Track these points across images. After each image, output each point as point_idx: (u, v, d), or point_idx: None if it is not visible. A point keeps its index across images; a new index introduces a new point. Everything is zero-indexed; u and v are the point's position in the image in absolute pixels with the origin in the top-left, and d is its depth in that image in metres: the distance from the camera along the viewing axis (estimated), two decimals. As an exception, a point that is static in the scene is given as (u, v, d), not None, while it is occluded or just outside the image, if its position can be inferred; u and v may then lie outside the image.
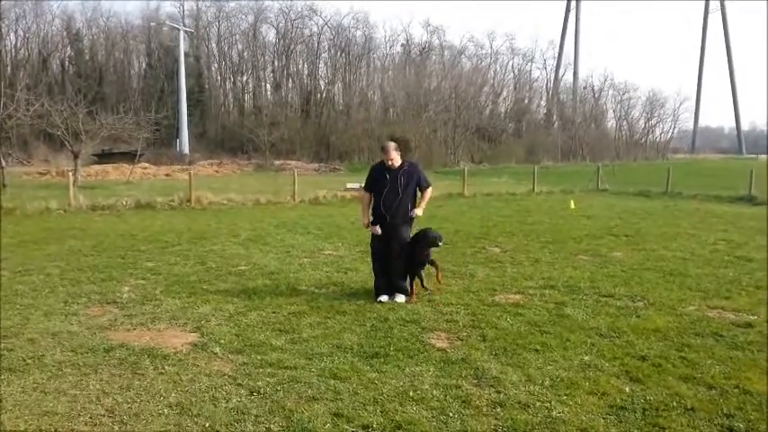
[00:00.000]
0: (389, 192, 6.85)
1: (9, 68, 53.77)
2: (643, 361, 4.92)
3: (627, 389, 4.37)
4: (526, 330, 5.72)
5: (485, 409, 4.03)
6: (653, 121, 78.67)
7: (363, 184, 7.24)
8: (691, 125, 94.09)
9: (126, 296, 6.96)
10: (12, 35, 55.75)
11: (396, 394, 4.24)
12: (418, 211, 7.04)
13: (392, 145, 6.97)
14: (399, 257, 6.88)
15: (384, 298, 6.84)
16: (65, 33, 58.27)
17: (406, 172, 6.94)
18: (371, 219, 7.05)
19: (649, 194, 22.91)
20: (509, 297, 7.03)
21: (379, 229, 6.91)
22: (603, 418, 3.92)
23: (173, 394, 4.24)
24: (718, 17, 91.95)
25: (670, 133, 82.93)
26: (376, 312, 6.30)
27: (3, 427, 3.74)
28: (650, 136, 79.85)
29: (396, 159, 6.90)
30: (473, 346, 5.28)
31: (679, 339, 5.48)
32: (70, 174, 19.35)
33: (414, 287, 6.97)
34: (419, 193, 7.12)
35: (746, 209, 17.77)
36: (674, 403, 4.13)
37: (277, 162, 44.90)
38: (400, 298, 6.87)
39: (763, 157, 66.26)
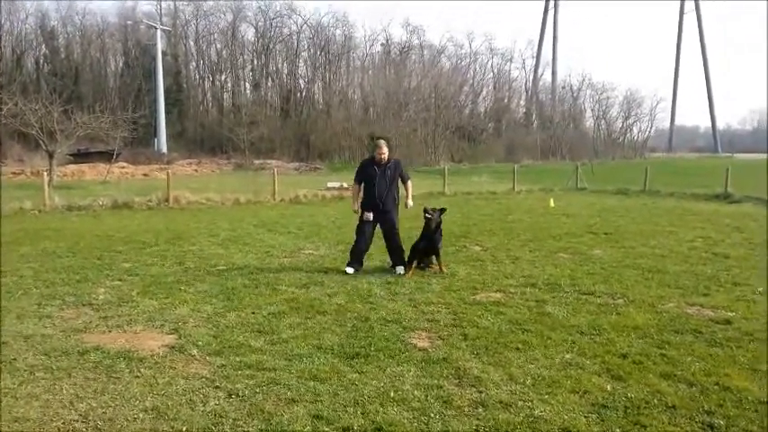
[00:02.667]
0: (380, 183, 8.21)
1: (-19, 67, 52.82)
2: (624, 358, 4.93)
3: (608, 387, 4.36)
4: (507, 329, 5.70)
5: (466, 409, 3.99)
6: (630, 121, 79.77)
7: (354, 176, 8.52)
8: (667, 124, 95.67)
9: (102, 298, 6.82)
10: (-16, 33, 54.71)
11: (377, 395, 4.19)
12: (410, 202, 8.60)
13: (383, 142, 8.44)
14: (395, 236, 8.37)
15: (350, 270, 8.16)
16: (39, 31, 57.34)
17: (392, 167, 8.33)
18: (363, 206, 8.38)
19: (628, 192, 23.12)
20: (490, 296, 7.02)
21: (371, 215, 8.27)
22: (585, 417, 3.90)
23: (149, 398, 4.14)
24: (693, 18, 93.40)
25: (647, 132, 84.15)
26: (357, 312, 6.25)
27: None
28: (628, 135, 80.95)
29: (386, 155, 8.25)
30: (454, 345, 5.25)
31: (659, 336, 5.50)
32: (45, 174, 19.03)
33: (412, 264, 8.18)
34: (401, 186, 8.54)
35: (723, 206, 18.01)
36: (656, 401, 4.14)
37: (257, 161, 44.61)
38: (400, 269, 8.22)
39: (740, 156, 67.32)
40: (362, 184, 8.41)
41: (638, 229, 12.90)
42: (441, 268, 8.25)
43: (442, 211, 8.61)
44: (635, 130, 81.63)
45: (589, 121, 79.92)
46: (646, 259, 9.30)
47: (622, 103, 78.06)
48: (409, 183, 8.71)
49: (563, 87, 78.18)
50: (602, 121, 78.80)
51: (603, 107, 77.84)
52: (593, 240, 11.29)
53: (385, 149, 8.27)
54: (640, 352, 5.08)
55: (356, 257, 8.39)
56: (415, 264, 8.24)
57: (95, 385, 4.35)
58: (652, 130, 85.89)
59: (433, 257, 8.35)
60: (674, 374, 4.59)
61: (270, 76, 64.41)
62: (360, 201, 8.49)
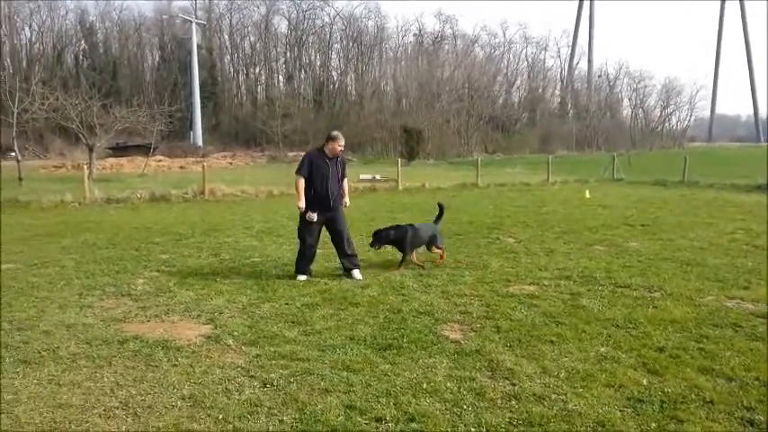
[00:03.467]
0: (332, 178, 7.44)
1: (24, 63, 54.33)
2: (660, 352, 4.85)
3: (644, 381, 4.30)
4: (541, 322, 5.66)
5: (499, 402, 3.98)
6: (669, 110, 78.11)
7: (298, 170, 7.43)
8: (707, 113, 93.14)
9: (140, 288, 6.98)
10: (26, 30, 56.29)
11: (409, 386, 4.21)
12: (347, 200, 7.85)
13: (339, 134, 7.55)
14: (346, 236, 7.62)
15: (303, 278, 7.42)
16: (78, 27, 58.68)
17: (340, 162, 7.60)
18: (311, 204, 7.40)
19: (666, 183, 22.66)
20: (523, 288, 6.97)
21: (315, 216, 7.36)
22: (620, 411, 3.86)
23: (186, 386, 4.24)
24: (735, 4, 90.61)
25: (686, 121, 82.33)
26: (389, 304, 6.27)
27: (18, 419, 3.75)
28: (666, 124, 79.29)
29: (342, 149, 7.50)
30: (487, 337, 5.23)
31: (697, 330, 5.39)
32: (85, 167, 19.50)
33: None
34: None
35: (765, 198, 17.49)
36: (693, 396, 4.06)
37: (290, 153, 44.91)
38: (358, 274, 7.54)
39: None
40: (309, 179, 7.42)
41: (677, 220, 12.64)
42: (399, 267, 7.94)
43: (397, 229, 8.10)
44: (674, 119, 80.00)
45: (626, 111, 78.64)
46: (684, 252, 9.11)
47: (661, 91, 76.55)
48: (345, 181, 7.79)
49: (599, 76, 76.98)
50: (640, 111, 77.38)
51: (641, 96, 76.47)
52: (629, 232, 11.10)
53: (342, 143, 7.42)
54: (678, 346, 4.99)
55: (307, 263, 7.57)
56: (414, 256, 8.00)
57: (135, 373, 4.47)
58: (691, 120, 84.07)
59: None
60: (712, 369, 4.50)
61: (303, 69, 64.83)
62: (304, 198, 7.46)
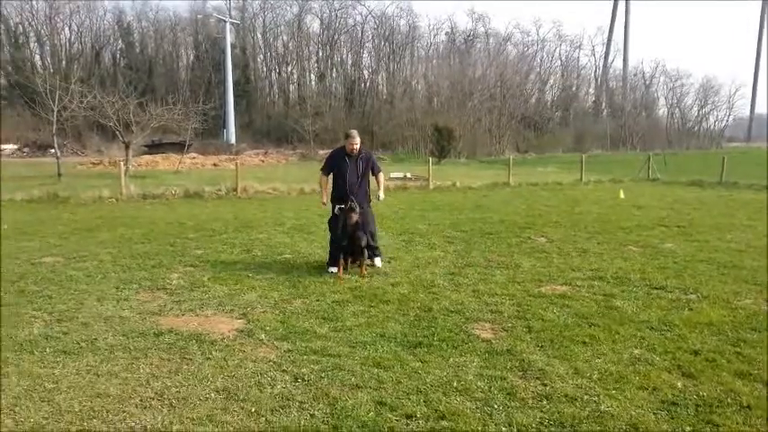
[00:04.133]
0: (351, 175, 7.76)
1: (63, 62, 55.61)
2: (696, 355, 4.76)
3: (679, 384, 4.24)
4: (573, 322, 5.61)
5: (530, 402, 3.96)
6: (707, 109, 76.33)
7: (322, 167, 8.11)
8: (747, 113, 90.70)
9: (175, 283, 7.11)
10: (66, 30, 57.61)
11: (439, 384, 4.21)
12: (382, 195, 8.07)
13: (356, 133, 7.92)
14: (370, 230, 7.85)
15: (334, 269, 7.62)
16: (116, 27, 59.87)
17: (363, 158, 7.88)
18: (334, 200, 7.90)
19: (702, 184, 22.18)
20: (555, 288, 6.91)
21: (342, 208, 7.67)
22: (654, 414, 3.81)
23: (219, 379, 4.31)
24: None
25: (725, 121, 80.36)
26: (419, 302, 6.28)
27: (59, 406, 3.86)
28: (704, 124, 77.50)
29: (357, 146, 7.81)
30: (518, 337, 5.20)
31: (734, 334, 5.28)
32: (122, 163, 19.88)
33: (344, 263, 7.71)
34: (372, 178, 8.07)
35: (807, 199, 17.00)
36: (729, 400, 3.99)
37: (321, 152, 45.12)
38: (378, 262, 7.97)
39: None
40: (331, 177, 8.00)
41: (714, 222, 12.38)
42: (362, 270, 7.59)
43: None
44: (711, 118, 78.14)
45: (662, 110, 77.10)
46: (721, 254, 8.92)
47: (698, 90, 74.83)
48: (381, 175, 8.16)
49: (635, 75, 75.57)
50: (677, 110, 75.78)
51: (678, 95, 74.89)
52: (664, 233, 10.90)
53: (357, 140, 7.76)
54: (714, 349, 4.90)
55: (337, 254, 7.71)
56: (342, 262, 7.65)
57: (170, 365, 4.56)
58: (730, 119, 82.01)
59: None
60: (749, 373, 4.41)
61: (334, 67, 65.06)
62: (329, 194, 8.06)
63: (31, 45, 56.81)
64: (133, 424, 3.68)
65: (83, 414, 3.78)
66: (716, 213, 13.85)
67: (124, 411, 3.83)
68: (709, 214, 13.68)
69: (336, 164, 7.89)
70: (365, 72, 65.15)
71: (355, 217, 7.52)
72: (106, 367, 4.52)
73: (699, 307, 6.11)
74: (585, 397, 4.03)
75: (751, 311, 5.95)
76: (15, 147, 42.25)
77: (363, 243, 7.57)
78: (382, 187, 8.14)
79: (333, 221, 7.94)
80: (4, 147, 42.49)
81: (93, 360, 4.66)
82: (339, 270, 7.53)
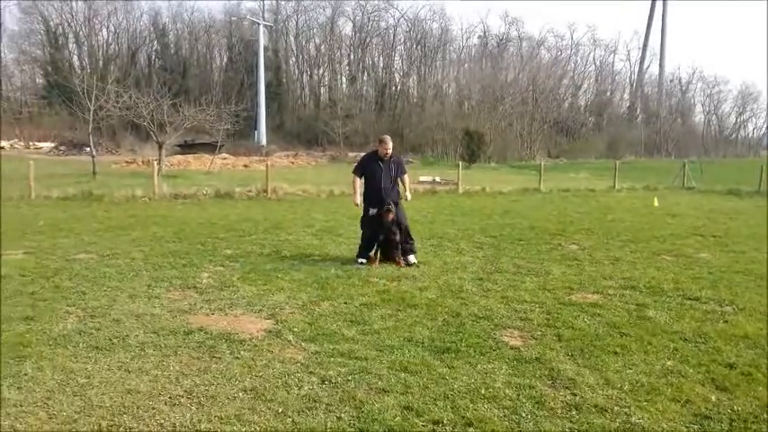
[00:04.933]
0: (384, 178, 8.26)
1: (101, 62, 56.84)
2: (731, 369, 4.64)
3: (713, 397, 4.13)
4: (604, 332, 5.51)
5: (559, 411, 3.90)
6: (745, 116, 74.66)
7: (355, 170, 8.53)
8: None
9: (205, 282, 7.19)
10: (104, 31, 58.92)
11: (467, 391, 4.18)
12: (409, 195, 8.70)
13: (389, 138, 8.40)
14: (404, 227, 8.34)
15: (362, 261, 8.22)
16: (152, 29, 61.03)
17: (395, 162, 8.42)
18: (367, 203, 8.41)
19: (740, 193, 21.66)
20: (587, 296, 6.81)
21: (375, 211, 8.24)
22: (686, 427, 3.72)
23: (247, 379, 4.34)
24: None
25: (764, 129, 78.38)
26: (448, 307, 6.24)
27: (90, 401, 3.93)
28: (742, 131, 75.79)
29: (390, 151, 8.29)
30: (548, 345, 5.13)
31: (772, 348, 5.14)
32: (155, 163, 20.22)
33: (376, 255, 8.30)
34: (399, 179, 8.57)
35: None
36: (765, 415, 3.88)
37: (351, 154, 45.28)
38: (413, 258, 8.34)
39: None
40: (363, 179, 8.47)
41: (751, 232, 12.07)
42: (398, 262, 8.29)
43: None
44: (749, 126, 76.42)
45: (699, 117, 75.65)
46: (758, 265, 8.69)
47: (736, 97, 73.35)
48: (406, 177, 8.70)
49: (671, 81, 74.27)
50: (714, 117, 74.33)
51: (715, 102, 73.43)
52: (700, 243, 10.67)
53: (390, 145, 8.26)
54: (749, 363, 4.77)
55: (366, 250, 8.38)
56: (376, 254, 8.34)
57: (199, 364, 4.61)
58: (769, 127, 79.98)
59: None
60: (788, 389, 4.28)
61: (366, 70, 65.31)
62: (361, 196, 8.53)
63: (70, 46, 58.37)
64: (162, 421, 3.72)
65: (113, 410, 3.84)
66: (753, 223, 13.51)
67: (154, 408, 3.87)
68: (746, 224, 13.36)
69: (369, 167, 8.36)
70: (396, 75, 65.29)
71: (392, 216, 8.15)
72: (137, 364, 4.58)
73: (734, 319, 5.96)
74: (616, 408, 3.95)
75: (790, 325, 5.78)
76: (52, 145, 43.29)
77: (398, 239, 8.22)
78: (408, 188, 8.74)
79: (365, 220, 8.46)
80: (40, 144, 43.61)
81: (124, 356, 4.73)
82: (374, 262, 8.18)
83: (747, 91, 73.03)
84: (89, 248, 9.17)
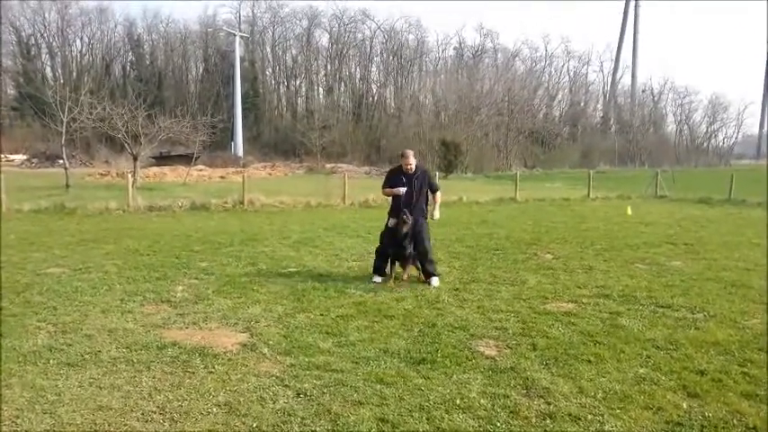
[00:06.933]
0: (407, 193, 7.98)
1: (74, 73, 56.20)
2: (702, 375, 4.72)
3: (684, 404, 4.19)
4: (578, 340, 5.57)
5: (534, 421, 3.93)
6: (715, 126, 76.26)
7: (383, 184, 8.34)
8: (756, 130, 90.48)
9: (179, 295, 7.11)
10: (78, 41, 58.28)
11: (442, 401, 4.18)
12: (437, 214, 8.35)
13: (411, 152, 8.10)
14: (423, 248, 7.99)
15: (378, 279, 7.97)
16: (126, 39, 60.48)
17: (420, 176, 8.08)
18: (390, 213, 8.23)
19: (711, 202, 22.07)
20: (561, 305, 6.87)
21: (393, 221, 8.05)
22: (659, 435, 3.76)
23: (221, 393, 4.29)
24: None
25: (734, 138, 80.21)
26: (424, 318, 6.25)
27: (61, 419, 3.86)
28: (712, 141, 77.37)
29: (413, 166, 8.00)
30: (523, 354, 5.17)
31: (741, 354, 5.23)
32: (129, 175, 19.99)
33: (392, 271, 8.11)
34: (430, 196, 8.29)
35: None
36: (735, 421, 3.95)
37: (328, 165, 45.32)
38: (435, 281, 7.86)
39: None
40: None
41: (722, 240, 12.30)
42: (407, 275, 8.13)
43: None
44: (720, 135, 78.05)
45: (671, 127, 77.09)
46: (729, 272, 8.86)
47: (707, 107, 74.88)
48: (438, 194, 8.43)
49: (643, 91, 75.64)
50: (685, 127, 75.78)
51: (686, 111, 74.91)
52: (672, 251, 10.85)
53: (412, 160, 7.99)
54: (720, 369, 4.85)
55: (382, 262, 8.19)
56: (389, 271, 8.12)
57: (172, 379, 4.55)
58: (739, 136, 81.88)
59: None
60: (756, 394, 4.36)
61: (342, 81, 65.44)
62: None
63: (43, 56, 57.63)
64: (134, 438, 3.67)
65: (84, 427, 3.78)
66: (724, 231, 13.77)
67: (126, 425, 3.82)
68: (718, 232, 13.61)
69: (393, 181, 8.17)
70: (373, 86, 65.54)
71: (405, 228, 7.87)
72: (109, 380, 4.51)
73: (706, 326, 6.06)
74: (589, 416, 3.99)
75: (758, 331, 5.90)
76: (24, 157, 42.60)
77: (407, 253, 7.95)
78: (437, 206, 8.41)
79: (384, 234, 8.30)
80: (12, 157, 42.87)
81: (96, 372, 4.65)
82: (389, 278, 7.97)
83: (718, 101, 74.73)
84: (61, 262, 9.02)
